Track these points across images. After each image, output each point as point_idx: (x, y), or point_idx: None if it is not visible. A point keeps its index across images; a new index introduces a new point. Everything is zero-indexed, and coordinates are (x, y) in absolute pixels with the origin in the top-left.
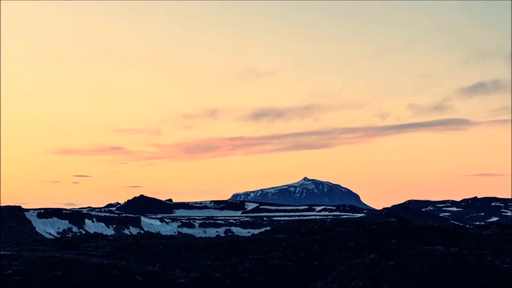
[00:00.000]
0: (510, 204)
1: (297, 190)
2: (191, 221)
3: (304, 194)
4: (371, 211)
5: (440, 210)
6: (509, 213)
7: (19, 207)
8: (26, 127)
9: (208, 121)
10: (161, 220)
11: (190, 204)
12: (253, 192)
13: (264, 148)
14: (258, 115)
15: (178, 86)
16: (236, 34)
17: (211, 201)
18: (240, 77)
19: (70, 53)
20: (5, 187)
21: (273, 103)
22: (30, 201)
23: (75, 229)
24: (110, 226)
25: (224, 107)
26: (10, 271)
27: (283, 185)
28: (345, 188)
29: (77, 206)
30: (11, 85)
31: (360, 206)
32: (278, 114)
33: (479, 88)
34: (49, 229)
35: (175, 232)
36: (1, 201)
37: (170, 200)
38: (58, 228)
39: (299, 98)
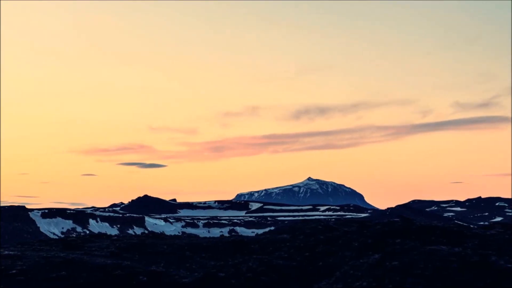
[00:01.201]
0: None
1: (301, 190)
2: (195, 221)
3: (308, 194)
4: (375, 211)
5: (444, 210)
6: None
7: (23, 206)
8: (59, 126)
9: (247, 119)
10: (165, 220)
11: (194, 204)
12: (257, 192)
13: (290, 147)
14: (300, 112)
15: (221, 84)
16: (284, 32)
17: (215, 201)
18: (288, 74)
19: (113, 52)
20: (18, 185)
21: (318, 100)
22: (42, 200)
23: (79, 229)
24: (114, 226)
25: (267, 105)
26: (14, 271)
27: (287, 185)
28: (349, 188)
29: (96, 205)
30: (48, 83)
31: (364, 206)
32: (321, 111)
33: None
34: (53, 229)
35: (179, 232)
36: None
37: (174, 200)
38: (62, 228)
39: (346, 96)
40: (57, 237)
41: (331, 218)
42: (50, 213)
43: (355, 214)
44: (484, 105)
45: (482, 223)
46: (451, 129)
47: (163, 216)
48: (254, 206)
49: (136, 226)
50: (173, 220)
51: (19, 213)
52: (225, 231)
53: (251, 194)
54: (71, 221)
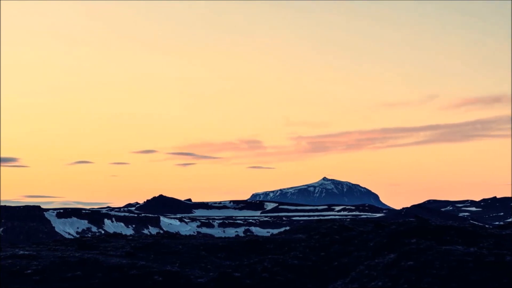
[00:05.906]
0: None
1: (316, 190)
2: (210, 221)
3: (323, 194)
4: (391, 211)
5: (460, 210)
6: None
7: (38, 206)
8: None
9: (394, 110)
10: (180, 220)
11: (209, 204)
12: (272, 192)
13: (395, 142)
14: (466, 103)
15: (390, 73)
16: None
17: (230, 201)
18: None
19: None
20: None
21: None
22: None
23: (94, 229)
24: (129, 226)
25: (443, 94)
26: (29, 271)
27: (303, 185)
28: (364, 188)
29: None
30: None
31: (379, 206)
32: (496, 100)
33: None
34: (68, 229)
35: (194, 232)
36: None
37: (190, 200)
38: (77, 228)
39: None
40: (72, 237)
41: (346, 218)
42: (65, 213)
43: (370, 214)
44: None
45: (497, 223)
46: None
47: (178, 216)
48: (269, 206)
49: (151, 226)
50: (188, 220)
51: (34, 213)
52: (240, 231)
53: (266, 194)
54: (86, 221)
